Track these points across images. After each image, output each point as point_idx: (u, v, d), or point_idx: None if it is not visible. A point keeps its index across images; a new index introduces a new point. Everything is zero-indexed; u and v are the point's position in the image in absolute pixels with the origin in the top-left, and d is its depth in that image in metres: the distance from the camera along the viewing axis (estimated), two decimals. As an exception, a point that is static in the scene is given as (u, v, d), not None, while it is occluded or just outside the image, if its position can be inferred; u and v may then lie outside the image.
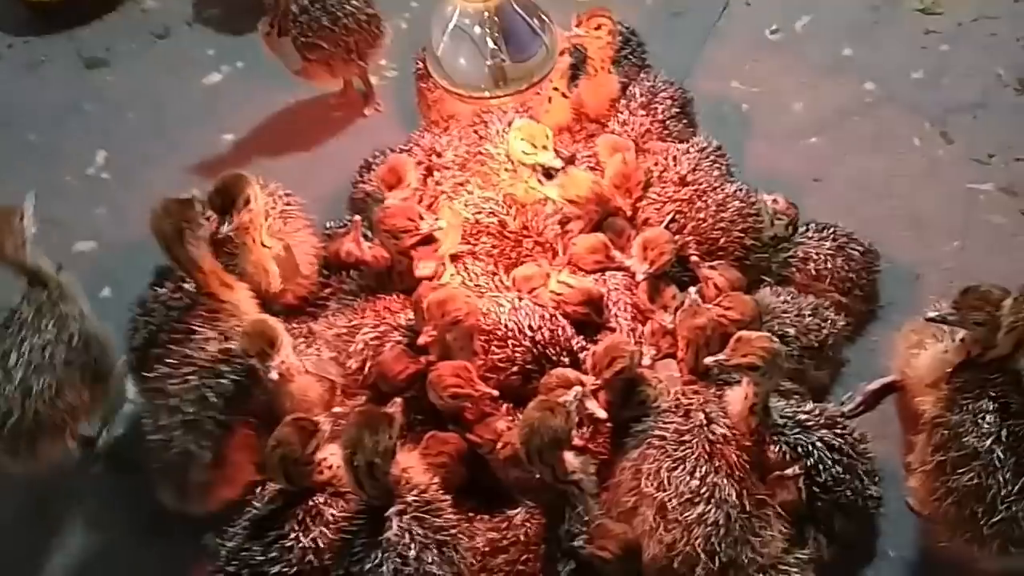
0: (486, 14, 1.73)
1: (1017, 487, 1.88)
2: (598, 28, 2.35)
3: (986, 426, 1.91)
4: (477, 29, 1.75)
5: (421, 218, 2.16)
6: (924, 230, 2.75)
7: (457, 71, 1.78)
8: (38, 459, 2.20)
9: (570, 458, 1.83)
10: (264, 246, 2.29)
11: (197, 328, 2.11)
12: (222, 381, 2.06)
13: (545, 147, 2.33)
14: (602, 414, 1.96)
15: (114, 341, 2.36)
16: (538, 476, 1.83)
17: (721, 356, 1.97)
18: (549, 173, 2.43)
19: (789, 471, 2.03)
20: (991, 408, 1.93)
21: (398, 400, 1.85)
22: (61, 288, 2.23)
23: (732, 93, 3.21)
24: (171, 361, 2.09)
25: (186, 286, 2.21)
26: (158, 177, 3.13)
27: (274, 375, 1.92)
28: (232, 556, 1.88)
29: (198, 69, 3.63)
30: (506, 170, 2.48)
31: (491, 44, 1.74)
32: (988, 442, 1.90)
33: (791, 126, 3.09)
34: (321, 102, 3.38)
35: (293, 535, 1.84)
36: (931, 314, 2.00)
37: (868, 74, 3.22)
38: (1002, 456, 1.89)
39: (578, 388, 1.91)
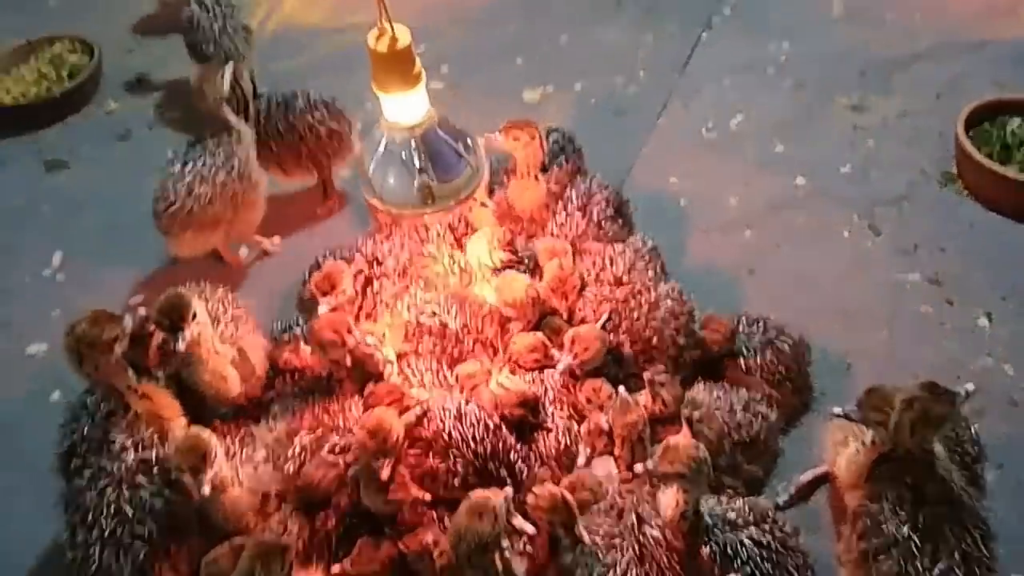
0: (412, 140, 1.84)
1: (936, 572, 1.91)
2: (516, 140, 2.54)
3: (903, 514, 1.96)
4: (404, 153, 1.86)
5: (349, 332, 2.22)
6: (854, 320, 2.84)
7: (387, 190, 1.89)
8: (183, 247, 2.97)
9: (498, 561, 1.85)
10: (217, 353, 2.34)
11: (114, 438, 2.11)
12: (140, 494, 2.05)
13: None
14: (530, 529, 1.95)
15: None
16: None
17: (649, 464, 2.03)
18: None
19: None
20: (908, 497, 1.98)
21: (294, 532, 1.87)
22: (242, 137, 2.93)
23: (670, 188, 3.36)
24: (88, 471, 2.09)
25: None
26: (113, 279, 3.20)
27: (206, 490, 1.93)
28: None
29: (157, 170, 3.72)
30: (454, 272, 2.58)
31: (418, 166, 1.84)
32: (906, 529, 1.94)
33: (726, 220, 3.23)
34: (277, 200, 3.49)
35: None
36: (836, 410, 2.07)
37: (799, 169, 3.38)
38: (919, 543, 1.93)
39: (509, 490, 1.94)
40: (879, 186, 3.30)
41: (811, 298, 2.92)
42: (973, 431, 2.28)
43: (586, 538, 1.95)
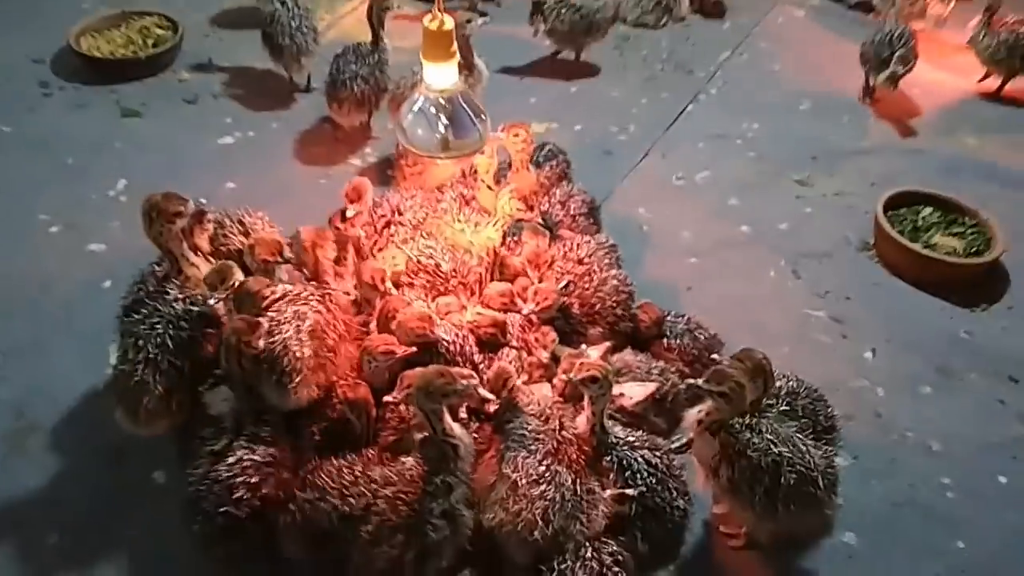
0: (441, 101, 2.51)
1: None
2: (516, 136, 3.26)
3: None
4: (432, 110, 2.54)
5: (383, 280, 2.92)
6: (763, 336, 3.42)
7: (416, 137, 2.55)
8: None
9: (453, 424, 2.44)
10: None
11: (169, 290, 2.75)
12: (181, 334, 2.65)
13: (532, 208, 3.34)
14: (491, 396, 2.53)
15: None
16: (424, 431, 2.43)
17: (572, 374, 2.62)
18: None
19: (629, 491, 2.62)
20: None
21: None
22: None
23: (637, 215, 4.04)
24: (144, 311, 2.70)
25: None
26: (167, 205, 3.83)
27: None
28: None
29: (215, 131, 4.41)
30: (458, 221, 3.24)
31: (441, 122, 2.51)
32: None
33: (677, 247, 3.89)
34: (313, 172, 4.17)
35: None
36: (689, 381, 2.66)
37: (745, 219, 4.07)
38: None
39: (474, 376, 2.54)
40: (807, 243, 3.97)
41: (732, 315, 3.52)
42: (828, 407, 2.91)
43: (522, 402, 2.59)
